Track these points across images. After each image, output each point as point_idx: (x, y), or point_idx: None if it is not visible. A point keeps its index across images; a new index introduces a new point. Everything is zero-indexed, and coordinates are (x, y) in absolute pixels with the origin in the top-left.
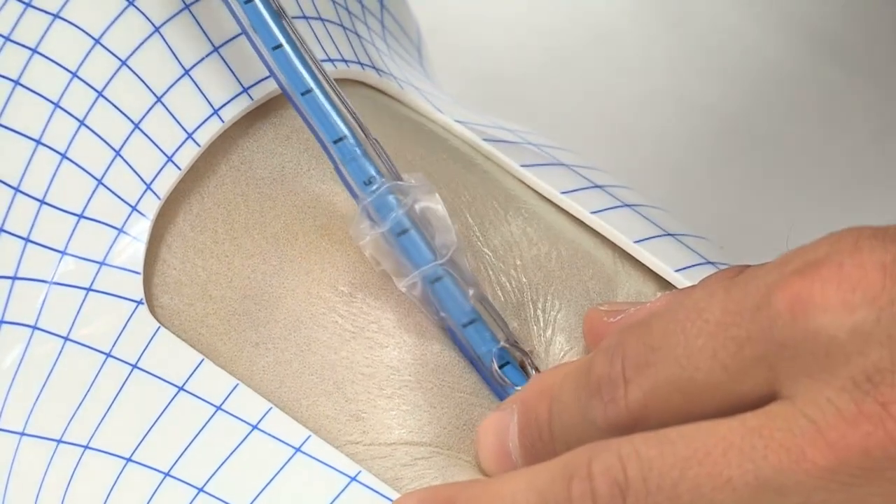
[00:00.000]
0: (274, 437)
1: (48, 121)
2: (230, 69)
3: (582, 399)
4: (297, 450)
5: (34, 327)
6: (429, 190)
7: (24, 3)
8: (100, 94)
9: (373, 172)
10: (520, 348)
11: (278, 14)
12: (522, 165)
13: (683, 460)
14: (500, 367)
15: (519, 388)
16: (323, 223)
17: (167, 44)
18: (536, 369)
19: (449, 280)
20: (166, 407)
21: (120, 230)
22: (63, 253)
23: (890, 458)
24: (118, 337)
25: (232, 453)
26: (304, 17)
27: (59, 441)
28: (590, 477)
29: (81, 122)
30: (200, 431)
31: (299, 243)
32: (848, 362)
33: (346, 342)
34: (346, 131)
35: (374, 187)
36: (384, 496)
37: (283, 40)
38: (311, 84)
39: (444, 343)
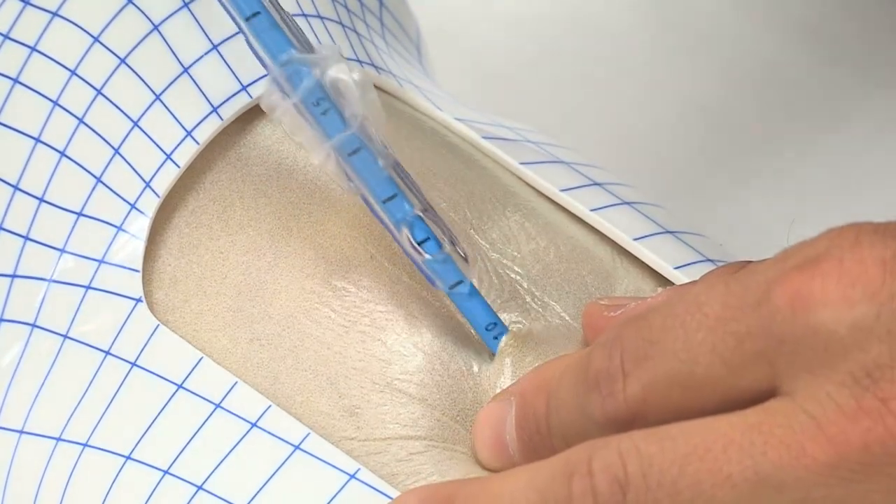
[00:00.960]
0: (273, 434)
1: (47, 119)
2: (229, 67)
3: (580, 393)
4: (297, 447)
5: (33, 325)
6: (338, 59)
7: (23, 1)
8: (99, 92)
9: (284, 43)
10: (436, 218)
11: None
12: (522, 163)
13: (683, 456)
14: (414, 234)
15: (431, 256)
16: (317, 219)
17: (166, 42)
18: (453, 241)
19: (365, 151)
20: (165, 405)
21: (119, 228)
22: (62, 251)
23: (889, 454)
24: (117, 335)
25: (231, 451)
26: (303, 15)
27: (59, 439)
28: (590, 474)
29: (80, 120)
30: (200, 429)
31: (294, 239)
32: (847, 357)
33: (339, 337)
34: (261, 8)
35: (286, 58)
36: (383, 494)
37: None
38: None
39: (434, 332)
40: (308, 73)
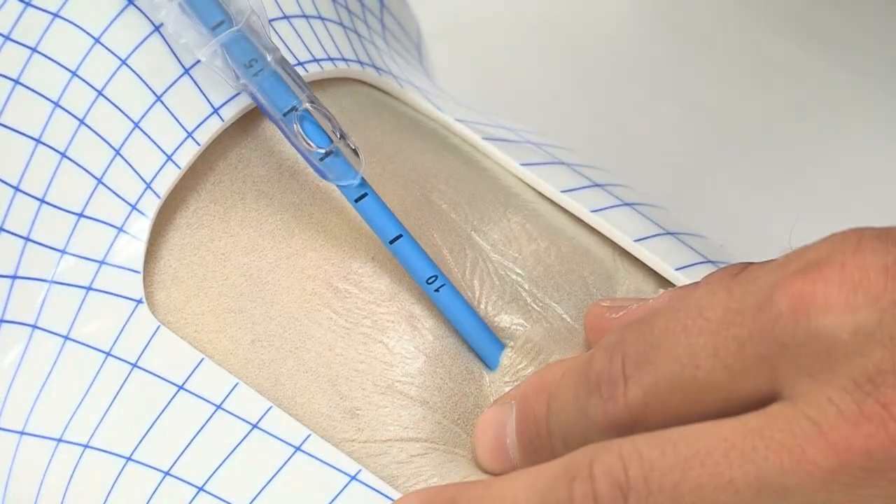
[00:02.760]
0: (274, 436)
1: (48, 120)
2: None
3: (581, 396)
4: (297, 449)
5: (34, 326)
6: None
7: (23, 2)
8: (99, 93)
9: None
10: (322, 110)
11: None
12: (522, 164)
13: (685, 461)
14: (303, 128)
15: (322, 148)
16: (319, 220)
17: (167, 43)
18: (342, 133)
19: (246, 43)
20: (166, 406)
21: (120, 229)
22: (63, 252)
23: (891, 460)
24: (118, 336)
25: (232, 452)
26: (304, 16)
27: (59, 440)
28: (591, 478)
29: (81, 122)
30: (200, 430)
31: (295, 240)
32: (849, 362)
33: (341, 338)
34: None
35: None
36: (384, 495)
37: None
38: None
39: (435, 333)
40: None
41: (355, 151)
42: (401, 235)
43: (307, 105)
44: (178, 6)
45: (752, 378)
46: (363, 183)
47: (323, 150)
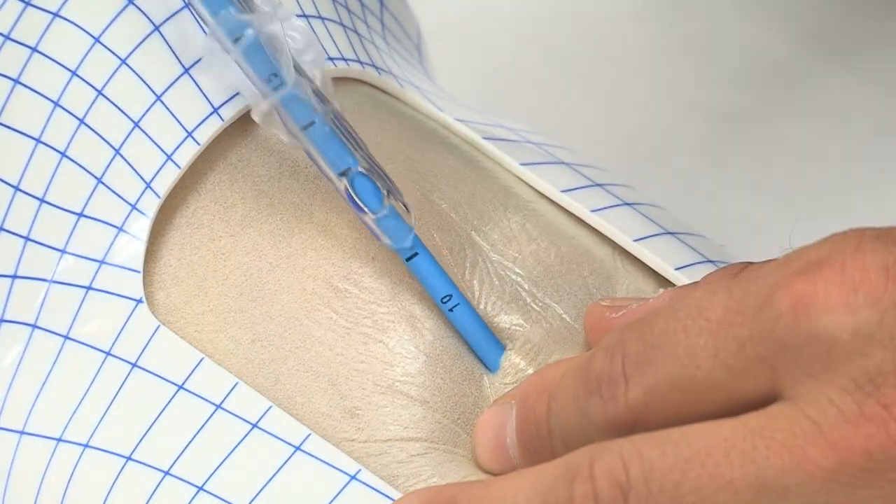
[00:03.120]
0: (274, 435)
1: (48, 119)
2: None
3: (581, 396)
4: (297, 448)
5: (34, 326)
6: (275, 16)
7: (23, 1)
8: (99, 92)
9: (224, 0)
10: (377, 169)
11: None
12: (522, 164)
13: (685, 461)
14: (356, 188)
15: (374, 212)
16: (319, 220)
17: (167, 42)
18: (392, 191)
19: (304, 105)
20: (166, 405)
21: (119, 229)
22: (63, 251)
23: (891, 460)
24: (118, 335)
25: (232, 452)
26: (304, 16)
27: (59, 440)
28: (592, 478)
29: (81, 121)
30: (200, 430)
31: (295, 240)
32: (850, 363)
33: (341, 338)
34: None
35: (225, 14)
36: (384, 495)
37: None
38: None
39: (436, 334)
40: (246, 28)
41: (406, 208)
42: (417, 252)
43: (362, 169)
44: (235, 63)
45: (753, 378)
46: (413, 237)
47: (376, 213)
